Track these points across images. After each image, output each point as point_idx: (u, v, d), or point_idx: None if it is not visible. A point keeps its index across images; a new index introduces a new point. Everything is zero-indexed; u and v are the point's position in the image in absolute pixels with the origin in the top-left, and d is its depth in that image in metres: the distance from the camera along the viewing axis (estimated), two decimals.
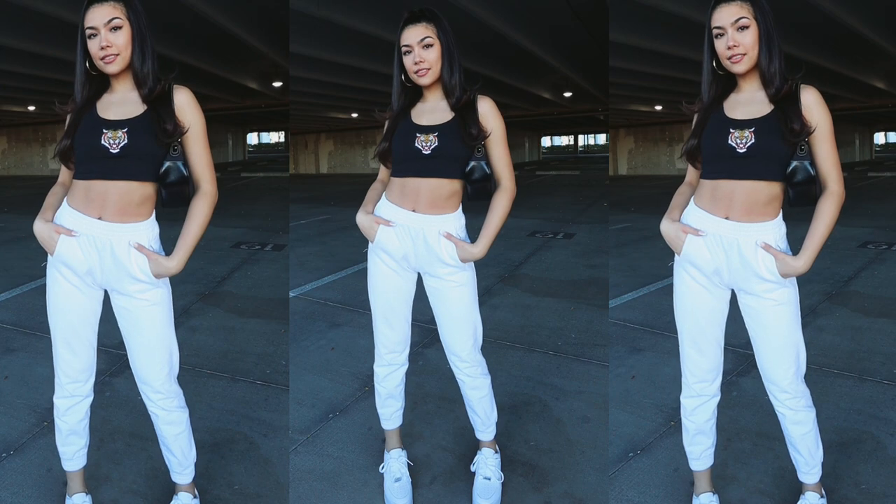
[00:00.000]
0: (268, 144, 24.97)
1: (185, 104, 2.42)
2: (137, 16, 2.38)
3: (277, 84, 14.67)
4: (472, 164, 2.68)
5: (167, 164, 2.39)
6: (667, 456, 3.20)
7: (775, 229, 2.43)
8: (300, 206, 11.45)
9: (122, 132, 2.35)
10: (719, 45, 2.39)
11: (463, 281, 2.77)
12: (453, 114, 2.68)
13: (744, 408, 3.59)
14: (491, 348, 4.48)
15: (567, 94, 16.97)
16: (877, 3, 9.80)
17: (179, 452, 2.72)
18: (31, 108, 18.77)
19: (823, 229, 2.37)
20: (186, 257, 2.44)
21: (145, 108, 2.40)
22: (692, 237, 2.48)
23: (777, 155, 2.36)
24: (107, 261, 2.42)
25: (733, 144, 2.38)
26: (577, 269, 6.46)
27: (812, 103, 2.35)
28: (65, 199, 2.45)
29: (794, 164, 2.35)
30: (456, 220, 2.74)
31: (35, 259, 6.79)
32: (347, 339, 4.59)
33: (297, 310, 5.14)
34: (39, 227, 2.42)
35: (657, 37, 10.42)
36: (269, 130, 24.71)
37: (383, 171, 2.84)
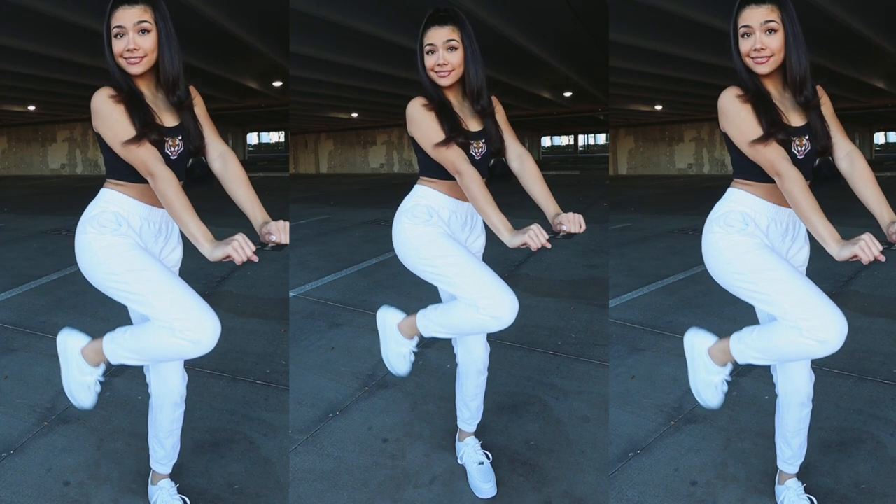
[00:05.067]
0: (268, 144, 24.92)
1: (199, 105, 2.57)
2: (165, 20, 2.45)
3: (277, 84, 14.66)
4: (494, 160, 2.83)
5: (192, 160, 2.51)
6: (667, 456, 3.20)
7: None
8: (300, 205, 11.44)
9: (178, 140, 2.48)
10: (745, 43, 2.45)
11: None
12: (482, 120, 2.79)
13: (744, 408, 3.59)
14: (491, 348, 4.46)
15: (567, 94, 16.97)
16: (877, 3, 9.79)
17: (170, 444, 2.80)
18: (32, 107, 18.76)
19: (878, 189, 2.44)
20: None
21: (179, 116, 2.50)
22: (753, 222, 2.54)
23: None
24: (171, 241, 2.64)
25: (795, 152, 2.46)
26: (576, 269, 6.46)
27: (827, 104, 2.51)
28: (123, 196, 2.50)
29: (819, 160, 2.49)
30: None
31: (35, 259, 6.79)
32: (347, 339, 4.59)
33: (296, 310, 5.14)
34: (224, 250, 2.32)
35: (657, 37, 10.42)
36: (269, 130, 24.67)
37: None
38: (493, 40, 10.34)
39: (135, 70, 2.43)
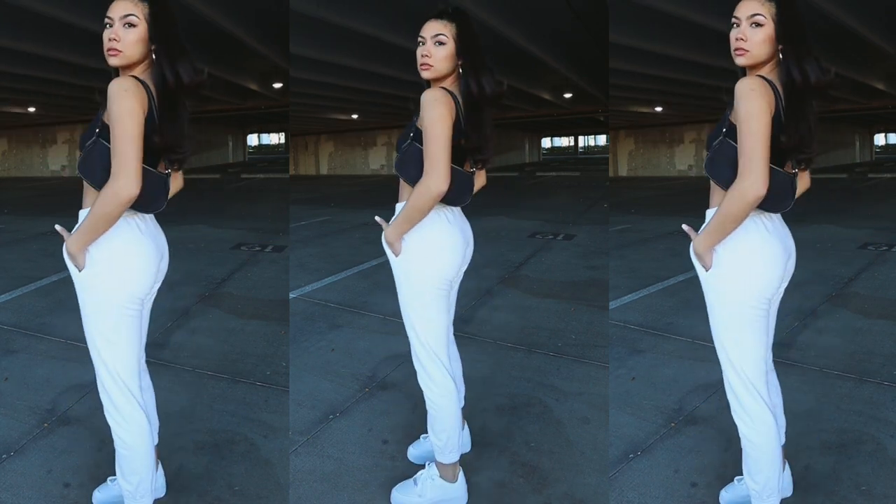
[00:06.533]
0: (268, 146, 24.95)
1: (108, 95, 2.31)
2: (159, 22, 2.37)
3: (277, 85, 14.67)
4: (406, 142, 2.71)
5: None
6: (667, 457, 3.20)
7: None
8: (300, 207, 11.45)
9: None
10: (731, 35, 2.39)
11: (397, 271, 2.81)
12: None
13: None
14: (491, 349, 4.48)
15: (567, 96, 16.97)
16: (877, 3, 9.79)
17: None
18: (32, 109, 18.77)
19: (717, 217, 2.34)
20: (76, 238, 2.36)
21: None
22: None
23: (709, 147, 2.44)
24: None
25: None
26: (577, 271, 6.46)
27: (735, 92, 2.32)
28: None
29: (718, 139, 2.40)
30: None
31: (35, 260, 6.78)
32: (348, 341, 4.59)
33: (297, 311, 5.14)
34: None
35: (657, 38, 10.42)
36: (269, 132, 24.70)
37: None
38: (493, 41, 10.34)
39: (112, 62, 2.36)
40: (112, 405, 2.51)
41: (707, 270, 2.46)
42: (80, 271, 2.41)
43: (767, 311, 2.49)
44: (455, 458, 2.86)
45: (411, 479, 2.93)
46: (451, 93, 2.66)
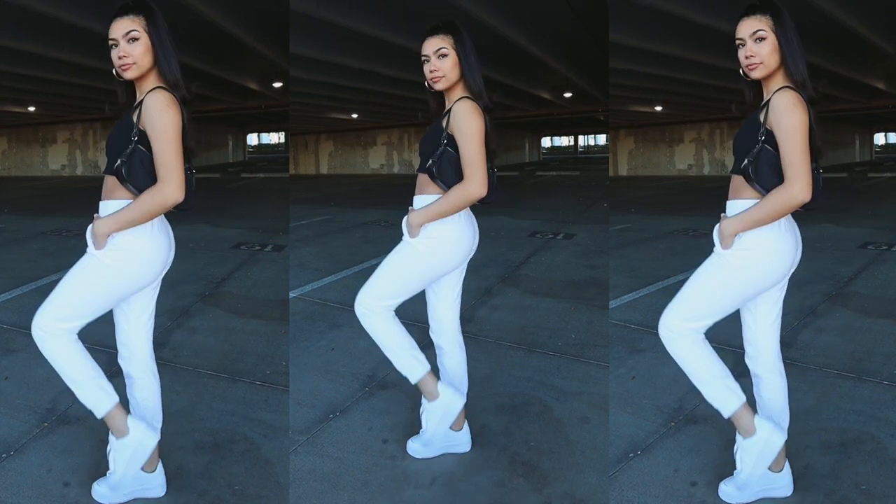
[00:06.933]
0: (268, 145, 24.96)
1: (148, 107, 2.56)
2: (158, 29, 2.60)
3: (277, 85, 14.67)
4: (440, 148, 2.93)
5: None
6: (667, 456, 3.20)
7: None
8: (300, 206, 11.44)
9: None
10: (740, 55, 2.61)
11: (409, 248, 3.00)
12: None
13: None
14: (491, 349, 4.48)
15: (567, 95, 16.97)
16: (877, 3, 9.79)
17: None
18: (32, 108, 18.76)
19: (758, 211, 2.57)
20: (108, 223, 2.59)
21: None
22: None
23: (741, 151, 2.63)
24: None
25: None
26: (577, 270, 6.46)
27: (775, 106, 2.54)
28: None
29: (757, 146, 2.59)
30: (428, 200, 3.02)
31: (35, 260, 6.79)
32: (347, 340, 4.59)
33: (297, 310, 5.14)
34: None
35: (657, 38, 10.42)
36: (269, 131, 24.71)
37: None
38: (493, 41, 10.34)
39: (128, 76, 2.61)
40: (43, 336, 2.71)
41: (724, 249, 2.64)
42: (96, 250, 2.61)
43: (755, 295, 2.75)
44: (419, 374, 3.15)
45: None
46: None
